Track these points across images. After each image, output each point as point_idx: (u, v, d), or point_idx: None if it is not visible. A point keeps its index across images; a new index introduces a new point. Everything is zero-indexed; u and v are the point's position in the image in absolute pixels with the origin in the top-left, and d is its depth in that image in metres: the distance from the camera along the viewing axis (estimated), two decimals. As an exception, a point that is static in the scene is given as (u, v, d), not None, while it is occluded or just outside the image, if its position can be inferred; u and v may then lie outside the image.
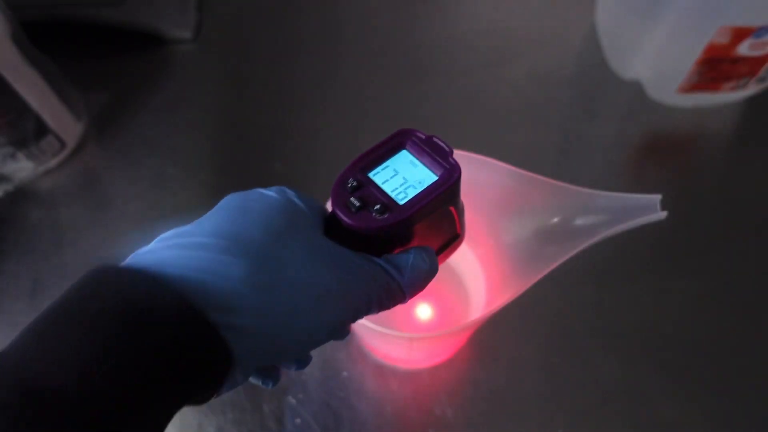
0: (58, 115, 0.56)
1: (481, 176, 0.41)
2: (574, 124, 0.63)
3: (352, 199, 0.27)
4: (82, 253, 0.54)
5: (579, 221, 0.37)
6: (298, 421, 0.46)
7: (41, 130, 0.55)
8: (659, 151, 0.61)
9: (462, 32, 0.69)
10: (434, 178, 0.28)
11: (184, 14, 0.68)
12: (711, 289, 0.53)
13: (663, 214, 0.33)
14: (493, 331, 0.50)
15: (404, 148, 0.30)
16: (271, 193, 0.26)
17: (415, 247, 0.29)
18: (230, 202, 0.25)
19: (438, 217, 0.30)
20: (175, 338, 0.19)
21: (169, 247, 0.22)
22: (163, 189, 0.58)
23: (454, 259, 0.51)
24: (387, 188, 0.28)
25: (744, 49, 0.53)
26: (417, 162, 0.29)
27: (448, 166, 0.28)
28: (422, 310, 0.50)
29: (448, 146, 0.29)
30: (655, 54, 0.58)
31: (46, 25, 0.61)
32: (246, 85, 0.66)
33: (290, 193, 0.26)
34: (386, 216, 0.27)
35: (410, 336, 0.37)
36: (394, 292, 0.27)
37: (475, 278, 0.49)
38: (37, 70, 0.53)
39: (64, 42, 0.65)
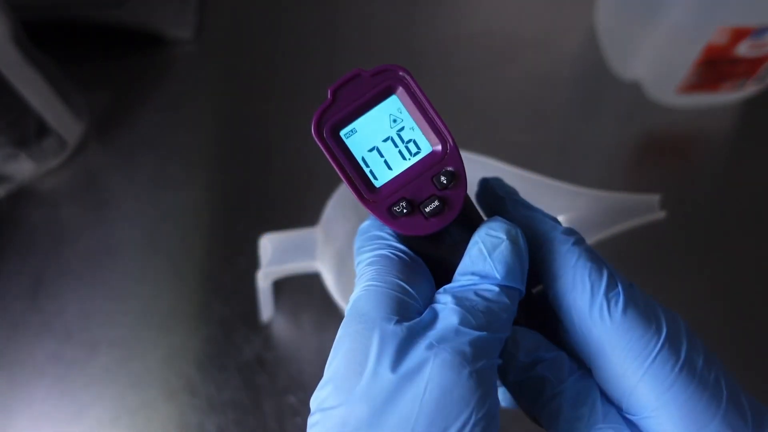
0: (59, 115, 0.56)
1: (480, 176, 0.41)
2: (574, 124, 0.63)
3: (395, 207, 0.22)
4: (82, 253, 0.54)
5: (578, 221, 0.37)
6: (298, 420, 0.46)
7: (42, 130, 0.55)
8: (658, 151, 0.61)
9: (461, 33, 0.69)
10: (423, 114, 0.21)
11: (184, 14, 0.68)
12: (711, 288, 0.53)
13: (662, 214, 0.34)
14: (493, 331, 0.50)
15: (393, 94, 0.22)
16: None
17: (478, 228, 0.22)
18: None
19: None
20: None
21: None
22: (163, 188, 0.58)
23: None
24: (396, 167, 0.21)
25: (743, 49, 0.53)
26: (403, 108, 0.22)
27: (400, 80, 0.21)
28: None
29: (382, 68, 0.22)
30: (654, 54, 0.59)
31: (47, 25, 0.61)
32: (246, 85, 0.66)
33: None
34: (446, 196, 0.21)
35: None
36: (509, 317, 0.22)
37: (475, 278, 0.49)
38: (38, 71, 0.53)
39: (65, 42, 0.65)
